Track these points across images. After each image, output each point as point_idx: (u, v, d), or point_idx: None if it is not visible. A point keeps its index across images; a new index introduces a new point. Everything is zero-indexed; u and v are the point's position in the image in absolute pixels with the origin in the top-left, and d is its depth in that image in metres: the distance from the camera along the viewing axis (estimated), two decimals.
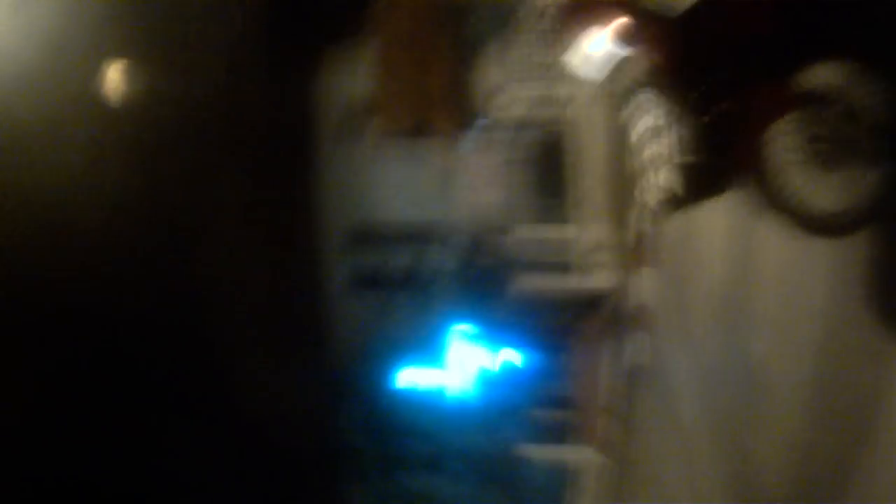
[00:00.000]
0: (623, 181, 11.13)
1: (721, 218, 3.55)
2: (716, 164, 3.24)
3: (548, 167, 13.80)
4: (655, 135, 3.34)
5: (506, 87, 13.54)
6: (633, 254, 4.67)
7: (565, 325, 9.52)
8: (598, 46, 3.26)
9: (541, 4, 13.28)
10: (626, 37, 3.19)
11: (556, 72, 12.68)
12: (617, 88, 3.64)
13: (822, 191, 3.26)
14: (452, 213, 14.86)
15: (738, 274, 3.67)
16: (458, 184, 14.44)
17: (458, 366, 10.04)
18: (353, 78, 15.22)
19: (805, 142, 3.19)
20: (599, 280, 11.05)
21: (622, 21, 3.17)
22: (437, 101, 13.86)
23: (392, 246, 15.71)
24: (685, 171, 3.25)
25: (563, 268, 13.86)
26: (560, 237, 13.78)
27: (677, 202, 3.41)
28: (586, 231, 13.44)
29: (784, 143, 3.21)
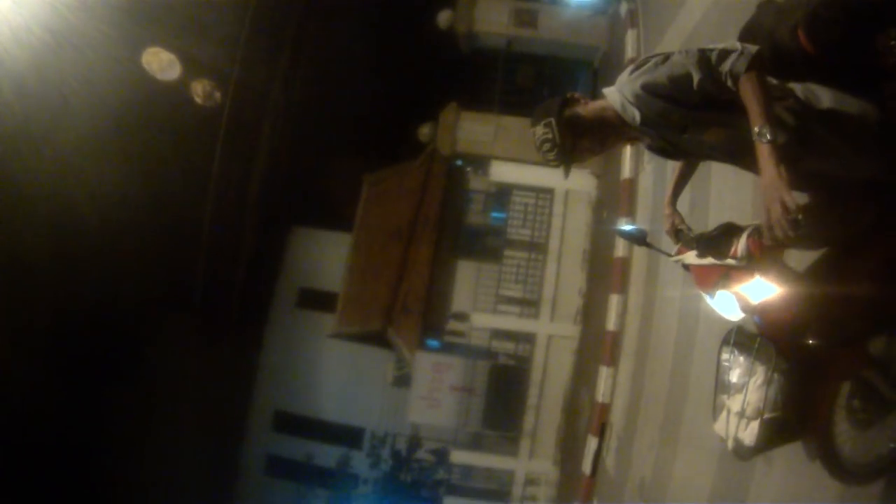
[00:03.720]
0: (577, 421, 13.06)
1: None
2: (791, 420, 3.60)
3: (500, 398, 14.44)
4: (743, 388, 3.66)
5: (471, 314, 14.05)
6: None
7: None
8: (727, 303, 3.62)
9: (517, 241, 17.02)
10: (749, 307, 3.53)
11: (521, 306, 16.33)
12: (734, 337, 3.81)
13: (861, 443, 3.86)
14: (390, 425, 17.81)
15: None
16: (406, 398, 16.89)
17: None
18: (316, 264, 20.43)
19: (858, 401, 3.77)
20: None
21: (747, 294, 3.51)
22: (401, 312, 14.50)
23: (319, 443, 16.65)
24: (768, 425, 3.57)
25: (496, 497, 14.83)
26: (499, 467, 14.80)
27: (747, 452, 3.72)
28: (528, 465, 14.34)
29: (841, 400, 3.77)
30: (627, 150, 13.75)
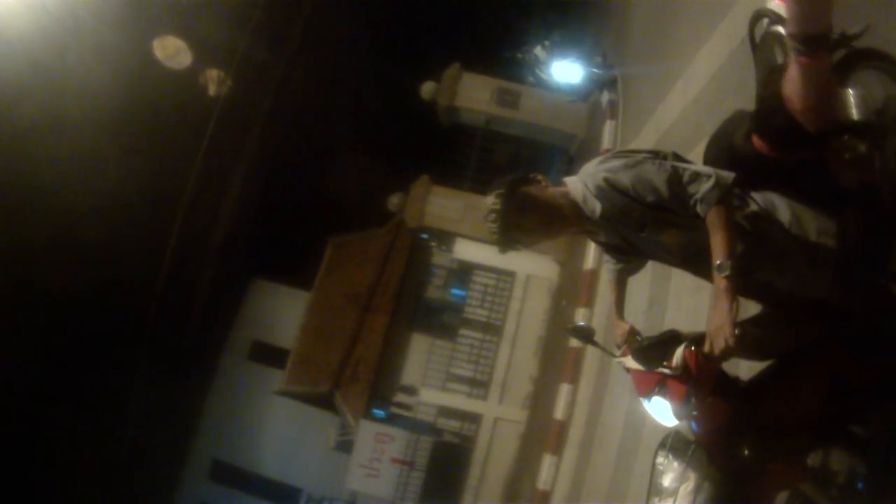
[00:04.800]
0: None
1: None
2: None
3: (440, 475, 16.54)
4: (674, 493, 3.58)
5: (420, 389, 13.96)
6: None
7: None
8: (662, 409, 3.51)
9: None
10: (683, 411, 3.43)
11: (470, 386, 16.53)
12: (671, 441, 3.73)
13: None
14: (327, 489, 18.53)
15: None
16: (347, 464, 16.81)
17: None
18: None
19: None
20: None
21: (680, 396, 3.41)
22: (350, 378, 16.24)
23: (255, 498, 17.94)
24: None
25: None
26: None
27: None
28: None
29: None
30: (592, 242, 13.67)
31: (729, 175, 3.26)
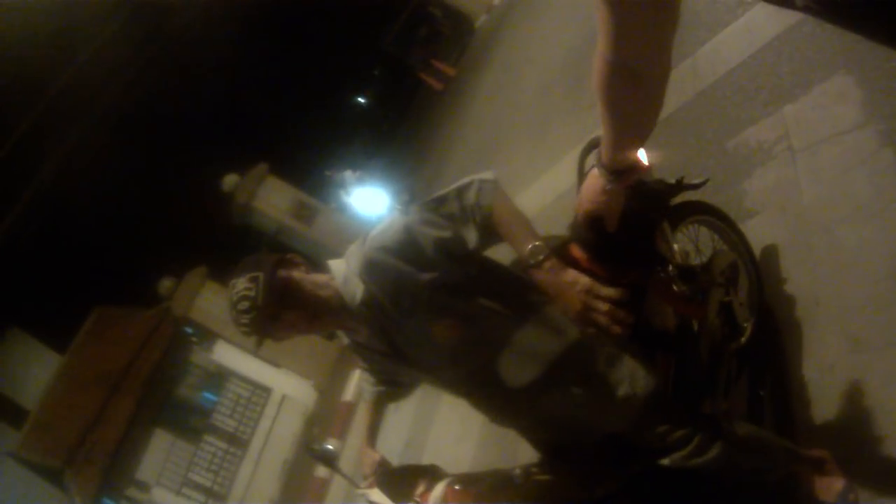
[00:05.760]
0: None
1: None
2: None
3: None
4: None
5: (153, 487, 15.90)
6: None
7: None
8: None
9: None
10: None
11: (206, 496, 16.61)
12: None
13: None
14: None
15: None
16: None
17: None
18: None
19: None
20: None
21: None
22: (86, 458, 15.65)
23: None
24: None
25: None
26: None
27: None
28: None
29: None
30: (356, 373, 13.67)
31: (490, 172, 2.98)
